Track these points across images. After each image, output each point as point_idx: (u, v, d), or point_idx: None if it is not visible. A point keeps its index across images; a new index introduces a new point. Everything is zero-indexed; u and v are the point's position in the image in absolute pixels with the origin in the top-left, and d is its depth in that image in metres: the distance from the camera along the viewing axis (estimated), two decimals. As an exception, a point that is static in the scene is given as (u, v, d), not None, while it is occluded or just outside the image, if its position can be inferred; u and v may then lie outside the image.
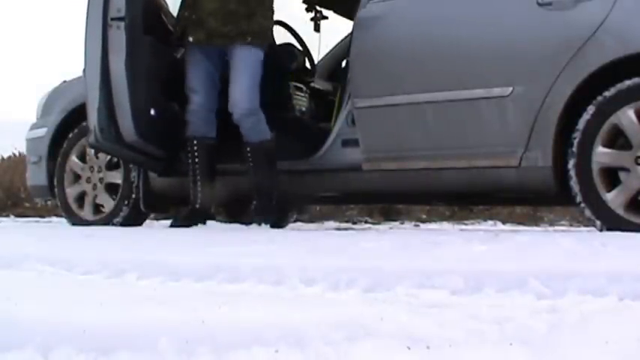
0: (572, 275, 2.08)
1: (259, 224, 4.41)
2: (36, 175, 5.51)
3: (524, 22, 3.81)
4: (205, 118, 4.51)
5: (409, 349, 1.43)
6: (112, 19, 4.35)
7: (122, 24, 4.33)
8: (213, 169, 4.57)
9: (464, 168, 3.96)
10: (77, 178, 5.23)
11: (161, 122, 4.60)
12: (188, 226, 4.40)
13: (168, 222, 4.90)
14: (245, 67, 4.42)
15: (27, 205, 8.68)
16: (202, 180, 4.52)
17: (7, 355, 1.43)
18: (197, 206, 4.52)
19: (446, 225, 6.96)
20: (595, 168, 3.60)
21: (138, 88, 4.39)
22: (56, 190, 5.29)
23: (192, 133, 4.51)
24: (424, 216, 7.57)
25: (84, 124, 5.15)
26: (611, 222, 3.51)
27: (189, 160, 4.54)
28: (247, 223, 5.03)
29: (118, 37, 4.35)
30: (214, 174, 4.57)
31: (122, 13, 4.33)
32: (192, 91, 4.51)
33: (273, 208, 4.54)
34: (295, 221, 6.18)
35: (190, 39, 4.43)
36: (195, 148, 4.51)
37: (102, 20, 4.35)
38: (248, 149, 4.43)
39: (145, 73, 4.44)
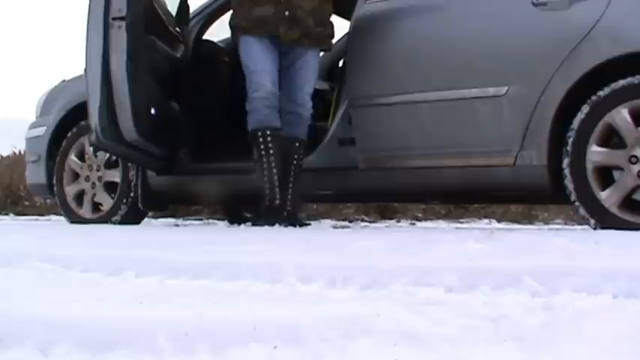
0: (567, 273, 2.08)
1: (285, 225, 4.17)
2: (35, 174, 5.53)
3: (519, 22, 3.83)
4: (276, 105, 4.28)
5: (405, 345, 1.44)
6: (114, 18, 4.36)
7: (123, 24, 4.34)
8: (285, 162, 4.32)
9: (459, 167, 3.98)
10: (76, 176, 5.25)
11: (161, 121, 4.61)
12: (272, 224, 4.10)
13: (167, 221, 4.89)
14: (315, 72, 4.43)
15: (26, 203, 8.70)
16: (280, 174, 4.26)
17: (7, 352, 1.44)
18: (277, 202, 4.25)
19: (442, 223, 6.97)
20: (589, 167, 3.61)
21: (138, 88, 4.40)
22: (55, 188, 5.31)
23: (263, 124, 4.25)
24: (420, 214, 7.58)
25: (82, 123, 5.17)
26: (605, 220, 3.53)
27: (262, 154, 4.24)
28: (240, 222, 5.04)
29: (119, 36, 4.36)
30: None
31: (123, 13, 4.34)
32: (261, 73, 4.26)
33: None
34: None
35: (281, 36, 4.24)
36: (269, 139, 4.24)
37: (103, 20, 4.36)
38: (297, 144, 4.31)
39: (145, 72, 4.44)
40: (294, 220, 4.31)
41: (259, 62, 4.26)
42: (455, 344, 1.45)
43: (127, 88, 4.35)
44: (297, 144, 4.32)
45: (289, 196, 4.32)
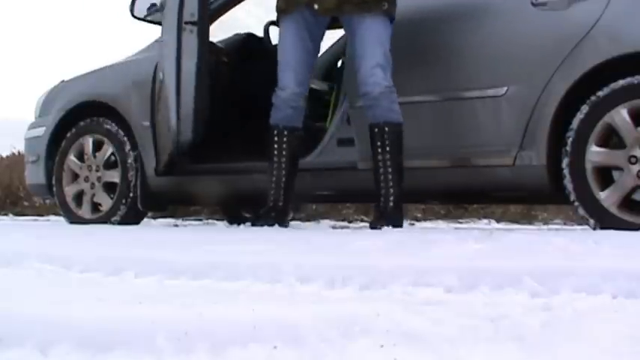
0: (566, 273, 2.08)
1: (381, 227, 3.79)
2: (34, 174, 5.53)
3: (519, 22, 3.83)
4: (299, 105, 4.08)
5: (405, 345, 1.44)
6: (186, 22, 4.39)
7: (195, 28, 4.38)
8: (296, 165, 4.17)
9: (459, 167, 3.98)
10: (75, 177, 5.25)
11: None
12: (272, 225, 3.96)
13: (167, 221, 4.89)
14: (380, 41, 3.91)
15: (26, 204, 8.72)
16: (288, 176, 4.11)
17: (7, 352, 1.44)
18: (280, 204, 4.09)
19: (441, 223, 6.98)
20: (589, 167, 3.62)
21: (203, 91, 4.45)
22: (55, 188, 5.31)
23: (282, 122, 4.08)
24: (419, 215, 7.59)
25: (81, 123, 5.18)
26: (605, 220, 3.53)
27: (274, 152, 4.08)
28: (240, 222, 5.03)
29: (191, 40, 4.41)
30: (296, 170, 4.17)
31: (195, 18, 4.37)
32: (288, 71, 4.03)
33: (400, 212, 3.97)
34: (292, 220, 6.20)
35: (315, 7, 3.94)
36: (285, 139, 4.08)
37: (177, 24, 4.40)
38: (376, 130, 3.91)
39: (208, 75, 4.48)
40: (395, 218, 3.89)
41: (288, 58, 4.04)
42: (455, 344, 1.45)
43: (193, 90, 4.41)
44: (375, 130, 3.92)
45: (391, 189, 3.93)
